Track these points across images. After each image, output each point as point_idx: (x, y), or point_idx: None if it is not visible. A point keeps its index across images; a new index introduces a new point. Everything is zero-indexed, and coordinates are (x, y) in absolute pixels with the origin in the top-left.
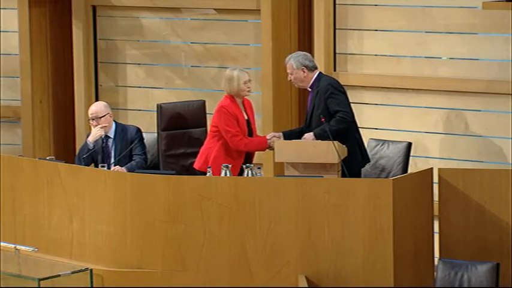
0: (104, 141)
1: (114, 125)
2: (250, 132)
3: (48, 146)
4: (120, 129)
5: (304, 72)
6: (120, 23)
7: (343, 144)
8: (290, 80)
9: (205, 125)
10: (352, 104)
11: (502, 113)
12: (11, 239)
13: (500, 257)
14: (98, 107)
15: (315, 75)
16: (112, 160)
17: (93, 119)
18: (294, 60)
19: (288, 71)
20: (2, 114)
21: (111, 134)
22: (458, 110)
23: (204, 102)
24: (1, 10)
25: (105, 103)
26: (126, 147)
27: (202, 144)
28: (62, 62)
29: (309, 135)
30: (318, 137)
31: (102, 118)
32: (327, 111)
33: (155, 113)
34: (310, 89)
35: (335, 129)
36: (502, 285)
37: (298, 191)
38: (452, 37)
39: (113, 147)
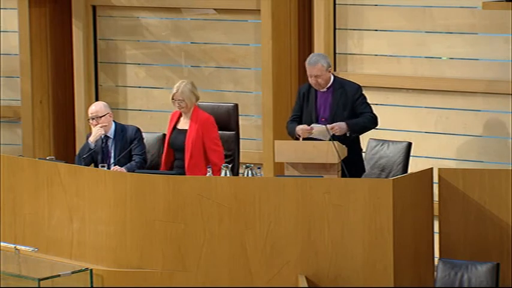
0: (104, 141)
1: (113, 125)
2: (184, 143)
3: (48, 146)
4: (120, 129)
5: (330, 72)
6: (120, 23)
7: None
8: (315, 83)
9: (235, 129)
10: None
11: (502, 113)
12: (11, 239)
13: (500, 257)
14: (97, 107)
15: (332, 76)
16: (112, 160)
17: (93, 119)
18: (324, 62)
19: (317, 73)
20: (2, 114)
21: (111, 134)
22: (458, 110)
23: (236, 105)
24: (1, 10)
25: (104, 103)
26: (125, 147)
27: (230, 148)
28: (62, 62)
29: (343, 125)
30: (350, 129)
31: (103, 118)
32: (352, 112)
33: (155, 112)
34: (325, 89)
35: (367, 126)
36: (502, 285)
37: (298, 191)
38: (452, 37)
39: (113, 147)
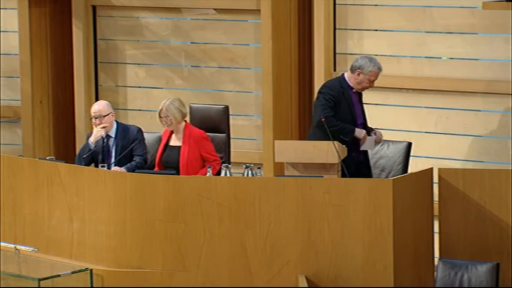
0: (105, 140)
1: (115, 124)
2: (176, 161)
3: (48, 146)
4: (122, 129)
5: None
6: (120, 23)
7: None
8: (367, 87)
9: (226, 131)
10: None
11: (502, 113)
12: (11, 239)
13: (500, 257)
14: (100, 106)
15: None
16: (112, 159)
17: (96, 118)
18: None
19: (377, 79)
20: (2, 114)
21: (112, 134)
22: (458, 110)
23: (227, 107)
24: (1, 10)
25: (107, 102)
26: (127, 147)
27: (221, 150)
28: (62, 62)
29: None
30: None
31: (106, 117)
32: None
33: (155, 113)
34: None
35: None
36: (502, 285)
37: (298, 191)
38: (452, 37)
39: (114, 146)
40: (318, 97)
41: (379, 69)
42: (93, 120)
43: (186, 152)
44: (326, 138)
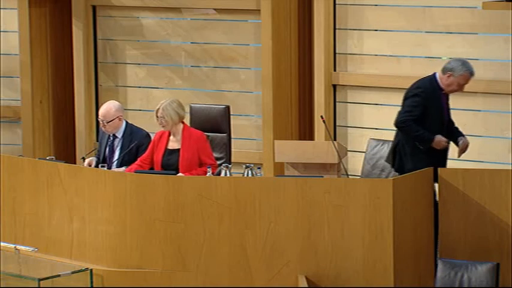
0: (111, 139)
1: (124, 125)
2: (177, 163)
3: (48, 146)
4: (130, 131)
5: None
6: (120, 23)
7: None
8: (456, 90)
9: (227, 131)
10: (352, 104)
11: (502, 113)
12: (11, 239)
13: (500, 257)
14: (106, 111)
15: None
16: (116, 157)
17: (102, 121)
18: None
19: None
20: (2, 114)
21: (119, 134)
22: (459, 110)
23: (228, 107)
24: (1, 10)
25: (116, 105)
26: (131, 149)
27: (222, 150)
28: (62, 62)
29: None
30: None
31: (110, 122)
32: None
33: (155, 113)
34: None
35: None
36: (502, 285)
37: (298, 191)
38: (452, 37)
39: (118, 147)
40: (407, 97)
41: (471, 73)
42: (100, 121)
43: (185, 153)
44: (406, 138)
